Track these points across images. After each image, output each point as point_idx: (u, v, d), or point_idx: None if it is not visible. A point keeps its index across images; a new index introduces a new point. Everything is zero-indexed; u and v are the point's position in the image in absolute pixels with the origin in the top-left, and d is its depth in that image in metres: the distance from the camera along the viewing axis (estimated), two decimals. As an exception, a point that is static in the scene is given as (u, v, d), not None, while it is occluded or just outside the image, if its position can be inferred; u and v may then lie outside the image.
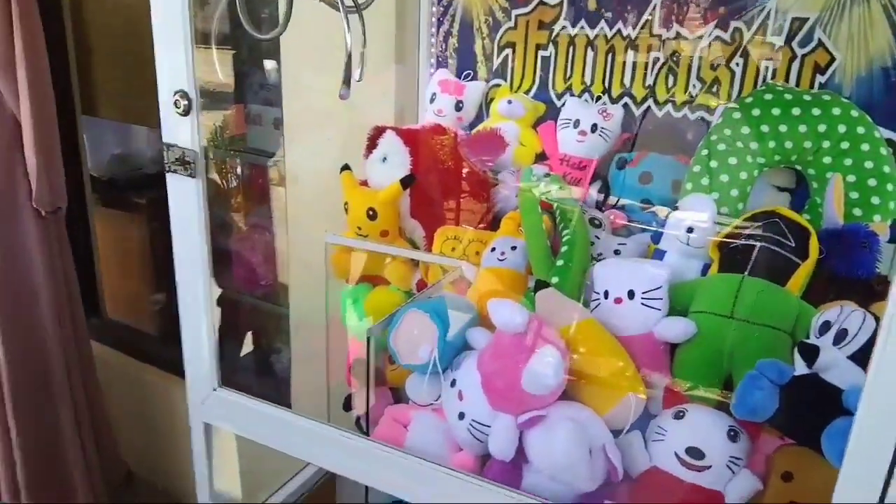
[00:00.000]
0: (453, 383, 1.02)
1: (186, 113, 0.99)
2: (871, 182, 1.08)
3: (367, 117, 1.48)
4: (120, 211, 2.65)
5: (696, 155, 1.18)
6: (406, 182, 1.31)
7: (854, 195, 1.09)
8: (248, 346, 2.24)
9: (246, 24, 1.05)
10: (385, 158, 1.37)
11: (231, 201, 2.15)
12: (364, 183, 1.40)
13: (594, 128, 1.37)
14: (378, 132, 1.40)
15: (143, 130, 2.56)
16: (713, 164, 1.15)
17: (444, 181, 1.43)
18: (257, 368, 2.25)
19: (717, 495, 0.88)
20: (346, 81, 1.03)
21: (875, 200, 1.08)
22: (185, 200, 1.06)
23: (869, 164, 1.08)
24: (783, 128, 1.12)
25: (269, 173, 2.02)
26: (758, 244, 0.99)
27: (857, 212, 1.09)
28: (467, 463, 1.01)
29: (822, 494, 0.68)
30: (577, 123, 1.40)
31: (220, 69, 1.86)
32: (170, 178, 1.05)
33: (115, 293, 2.67)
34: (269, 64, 1.85)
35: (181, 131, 1.01)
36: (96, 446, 2.14)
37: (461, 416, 1.00)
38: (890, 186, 1.08)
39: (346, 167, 1.38)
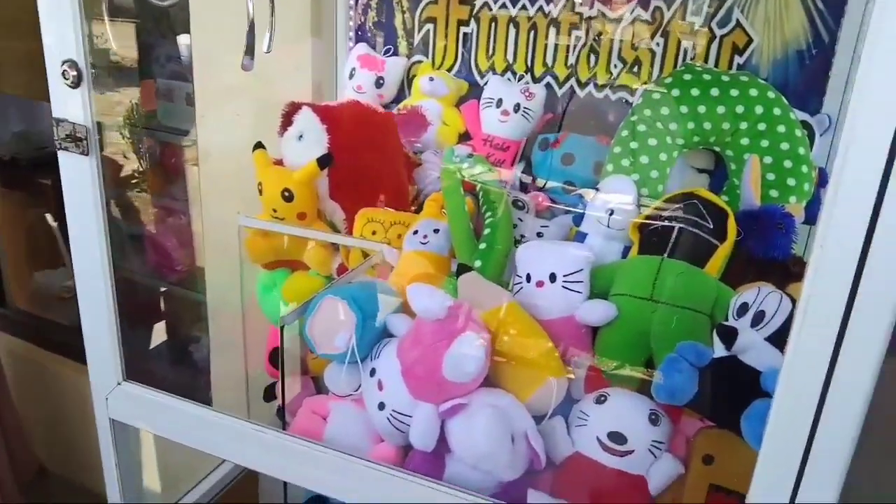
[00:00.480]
0: (373, 373, 0.99)
1: (76, 85, 0.91)
2: (787, 164, 1.09)
3: (282, 93, 1.41)
4: (24, 192, 2.49)
5: (617, 136, 1.17)
6: (323, 162, 1.25)
7: (770, 177, 1.10)
8: (162, 335, 2.14)
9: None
10: (301, 136, 1.30)
11: (142, 182, 2.04)
12: (279, 162, 1.33)
13: (517, 107, 1.35)
14: (293, 108, 1.32)
15: (48, 107, 2.40)
16: (633, 145, 1.14)
17: (366, 161, 1.38)
18: (174, 359, 2.16)
19: (639, 479, 0.88)
20: (249, 51, 0.97)
21: (791, 182, 1.09)
22: (79, 180, 0.98)
23: (785, 146, 1.09)
24: (702, 108, 1.12)
25: (182, 152, 1.92)
26: (677, 226, 0.98)
27: (773, 193, 1.10)
28: (388, 454, 0.98)
29: (742, 476, 0.68)
30: (499, 103, 1.37)
31: (124, 41, 1.75)
32: (61, 155, 0.98)
33: (22, 281, 2.52)
34: (178, 37, 1.74)
35: (71, 105, 0.94)
36: (4, 441, 2.04)
37: (381, 406, 0.97)
38: (805, 168, 1.09)
39: (259, 145, 1.30)
